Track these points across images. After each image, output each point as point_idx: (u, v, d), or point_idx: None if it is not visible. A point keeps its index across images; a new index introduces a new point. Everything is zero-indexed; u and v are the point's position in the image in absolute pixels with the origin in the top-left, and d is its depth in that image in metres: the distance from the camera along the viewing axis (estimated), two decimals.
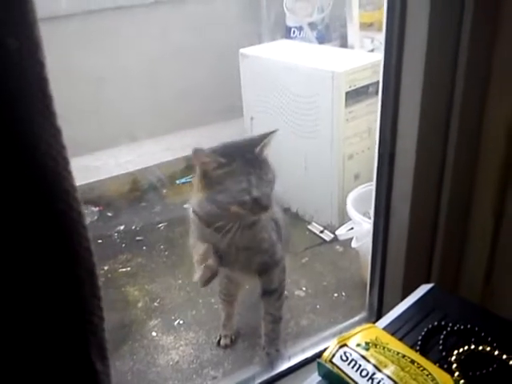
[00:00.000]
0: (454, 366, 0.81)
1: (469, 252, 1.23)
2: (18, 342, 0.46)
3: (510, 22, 0.97)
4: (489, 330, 0.88)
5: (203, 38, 3.07)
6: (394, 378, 0.73)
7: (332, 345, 0.80)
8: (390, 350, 0.78)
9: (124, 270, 2.25)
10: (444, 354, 0.85)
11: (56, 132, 0.43)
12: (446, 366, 0.81)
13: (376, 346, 0.80)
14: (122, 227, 2.57)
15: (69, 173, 0.45)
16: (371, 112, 2.18)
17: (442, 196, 1.16)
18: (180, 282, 2.16)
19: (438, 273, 1.24)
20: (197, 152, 1.21)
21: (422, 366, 0.76)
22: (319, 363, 0.80)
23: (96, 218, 2.63)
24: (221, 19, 3.12)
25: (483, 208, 1.16)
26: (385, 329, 0.89)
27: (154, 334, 1.91)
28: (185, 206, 2.71)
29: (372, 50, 2.70)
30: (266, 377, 1.31)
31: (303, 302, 2.03)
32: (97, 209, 2.67)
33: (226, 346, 1.82)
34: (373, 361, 0.76)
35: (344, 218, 2.21)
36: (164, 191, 2.88)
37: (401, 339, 0.86)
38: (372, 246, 1.30)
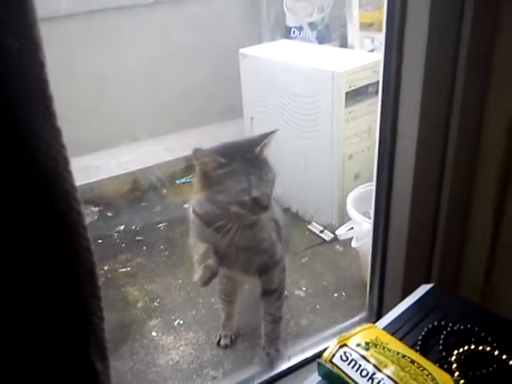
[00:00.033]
0: (454, 365, 0.81)
1: (469, 252, 1.23)
2: (18, 341, 0.46)
3: (510, 22, 0.97)
4: (489, 330, 0.88)
5: (203, 38, 3.07)
6: (394, 378, 0.73)
7: (332, 345, 0.80)
8: (390, 350, 0.78)
9: (124, 270, 2.25)
10: (444, 353, 0.85)
11: (56, 132, 0.43)
12: (446, 366, 0.81)
13: (376, 345, 0.80)
14: (122, 227, 2.57)
15: (69, 173, 0.45)
16: (371, 112, 2.17)
17: (442, 196, 1.16)
18: (180, 281, 2.16)
19: (437, 273, 1.24)
20: (197, 152, 1.21)
21: (422, 366, 0.76)
22: (319, 363, 0.80)
23: (96, 217, 2.63)
24: (221, 19, 3.12)
25: (483, 207, 1.16)
26: (385, 329, 0.89)
27: (153, 333, 1.91)
28: (185, 205, 2.71)
29: (372, 50, 2.70)
30: (265, 377, 1.31)
31: (303, 302, 2.03)
32: (97, 209, 2.67)
33: (225, 346, 1.82)
34: (373, 361, 0.76)
35: (344, 217, 2.21)
36: (164, 191, 2.88)
37: (401, 339, 0.86)
38: (372, 245, 1.30)
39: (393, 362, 0.76)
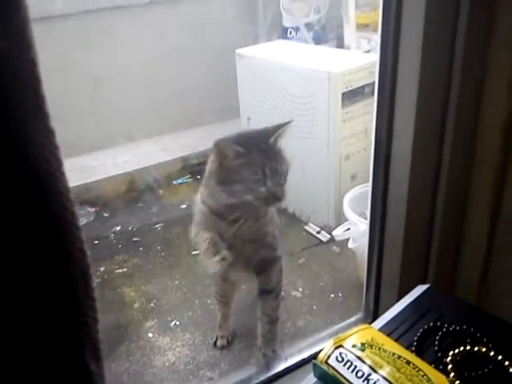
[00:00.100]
0: (450, 366, 0.81)
1: (465, 252, 1.23)
2: (11, 343, 0.46)
3: (505, 24, 0.98)
4: (484, 331, 0.88)
5: (200, 38, 3.07)
6: (389, 378, 0.73)
7: (328, 346, 0.80)
8: (385, 351, 0.78)
9: (120, 270, 2.25)
10: (440, 354, 0.85)
11: (49, 133, 0.43)
12: (441, 367, 0.81)
13: (372, 346, 0.79)
14: (118, 228, 2.57)
15: (62, 174, 0.44)
16: (368, 113, 2.18)
17: (438, 196, 1.16)
18: (177, 282, 2.16)
19: (434, 273, 1.24)
20: (219, 142, 1.21)
21: (417, 367, 0.75)
22: (315, 364, 0.79)
23: (92, 218, 2.63)
24: (217, 19, 3.12)
25: (479, 208, 1.16)
26: (381, 329, 0.89)
27: (150, 334, 1.91)
28: (182, 206, 2.71)
29: (368, 51, 2.71)
30: (262, 378, 1.31)
31: (300, 303, 2.03)
32: (93, 209, 2.67)
33: (222, 347, 1.81)
34: (368, 362, 0.76)
35: (341, 218, 2.21)
36: (161, 192, 2.87)
37: (396, 340, 0.86)
38: (368, 246, 1.30)
39: (388, 362, 0.76)
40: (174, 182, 2.92)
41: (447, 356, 0.83)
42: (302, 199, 2.48)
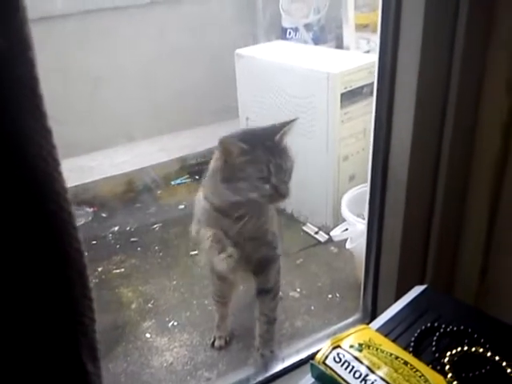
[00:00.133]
0: (447, 367, 0.81)
1: (463, 252, 1.23)
2: (8, 343, 0.46)
3: (504, 25, 0.98)
4: (482, 332, 0.88)
5: (199, 39, 3.07)
6: (387, 379, 0.73)
7: (325, 346, 0.80)
8: (383, 352, 0.78)
9: (118, 271, 2.25)
10: (437, 355, 0.85)
11: (46, 132, 0.42)
12: (439, 368, 0.81)
13: (369, 347, 0.79)
14: (116, 228, 2.56)
15: (59, 174, 0.44)
16: (367, 113, 2.18)
17: (437, 196, 1.16)
18: (174, 283, 2.16)
19: (431, 274, 1.24)
20: (224, 139, 1.21)
21: (415, 368, 0.75)
22: (312, 365, 0.79)
23: (90, 218, 2.63)
24: (217, 20, 3.12)
25: (478, 207, 1.16)
26: (378, 330, 0.89)
27: (147, 335, 1.91)
28: (180, 206, 2.71)
29: (368, 52, 2.71)
30: (260, 378, 1.31)
31: (298, 303, 2.03)
32: (91, 209, 2.67)
33: (220, 348, 1.81)
34: (366, 362, 0.76)
35: (339, 219, 2.21)
36: (159, 192, 2.87)
37: (394, 340, 0.86)
38: (366, 247, 1.30)
39: (386, 363, 0.76)
40: (173, 183, 2.92)
41: (445, 357, 0.83)
42: (301, 199, 2.47)
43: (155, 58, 3.03)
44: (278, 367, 1.32)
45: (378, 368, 0.75)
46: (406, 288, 1.05)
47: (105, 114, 2.92)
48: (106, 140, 2.89)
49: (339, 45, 3.07)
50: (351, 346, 0.80)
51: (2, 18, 0.37)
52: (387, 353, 0.78)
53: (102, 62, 2.85)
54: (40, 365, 0.48)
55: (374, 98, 1.13)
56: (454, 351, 0.84)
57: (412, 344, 0.87)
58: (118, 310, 2.02)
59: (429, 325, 0.91)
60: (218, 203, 1.29)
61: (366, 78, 2.26)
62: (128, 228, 2.56)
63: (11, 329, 0.45)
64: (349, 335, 0.83)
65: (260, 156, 1.20)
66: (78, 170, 2.68)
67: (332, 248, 2.34)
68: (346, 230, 2.02)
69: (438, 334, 0.89)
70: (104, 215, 2.67)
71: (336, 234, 2.06)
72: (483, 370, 0.81)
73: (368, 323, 0.96)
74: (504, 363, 0.81)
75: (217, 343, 1.81)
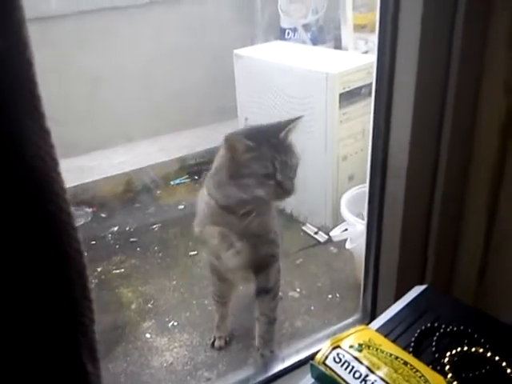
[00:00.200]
0: (447, 367, 0.81)
1: (462, 252, 1.23)
2: (7, 343, 0.45)
3: (502, 25, 0.98)
4: (482, 332, 0.88)
5: (198, 39, 3.07)
6: (386, 379, 0.73)
7: (325, 346, 0.80)
8: (383, 352, 0.78)
9: (118, 271, 2.25)
10: (437, 355, 0.84)
11: (45, 133, 0.42)
12: (438, 368, 0.81)
13: (369, 347, 0.79)
14: (115, 228, 2.56)
15: (58, 174, 0.44)
16: (365, 113, 2.18)
17: (435, 197, 1.16)
18: (174, 283, 2.16)
19: (431, 274, 1.24)
20: (229, 136, 1.22)
21: (414, 368, 0.75)
22: (312, 365, 0.79)
23: (90, 219, 2.63)
24: (216, 20, 3.12)
25: (476, 208, 1.16)
26: (378, 330, 0.89)
27: (147, 335, 1.91)
28: (179, 207, 2.71)
29: (366, 52, 2.71)
30: (260, 378, 1.31)
31: (297, 304, 2.03)
32: (90, 210, 2.67)
33: (220, 348, 1.81)
34: (366, 362, 0.76)
35: (338, 219, 2.21)
36: (158, 192, 2.87)
37: (394, 341, 0.86)
38: (365, 247, 1.30)
39: (386, 363, 0.76)
40: (172, 183, 2.92)
41: (444, 357, 0.83)
42: (300, 200, 2.47)
43: (154, 58, 3.03)
44: (278, 367, 1.32)
45: (378, 368, 0.75)
46: (405, 288, 1.05)
47: (104, 114, 2.92)
48: (105, 140, 2.89)
49: (337, 45, 3.07)
50: (351, 347, 0.80)
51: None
52: (387, 353, 0.78)
53: (101, 62, 2.85)
54: (40, 365, 0.48)
55: (372, 98, 1.13)
56: (453, 351, 0.84)
57: (412, 344, 0.87)
58: (118, 310, 2.02)
59: (429, 325, 0.91)
60: (223, 200, 1.29)
61: (364, 78, 2.26)
62: (127, 228, 2.56)
63: (11, 329, 0.45)
64: (349, 335, 0.83)
65: (265, 153, 1.21)
66: (77, 170, 2.68)
67: (331, 248, 2.34)
68: (346, 230, 2.02)
69: (437, 334, 0.89)
70: (103, 215, 2.67)
71: (335, 234, 2.06)
72: (483, 370, 0.81)
73: (368, 323, 0.96)
74: (504, 363, 0.81)
75: (217, 343, 1.81)
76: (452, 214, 1.19)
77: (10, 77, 0.39)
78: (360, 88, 2.29)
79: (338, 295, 2.06)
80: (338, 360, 0.77)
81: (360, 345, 0.80)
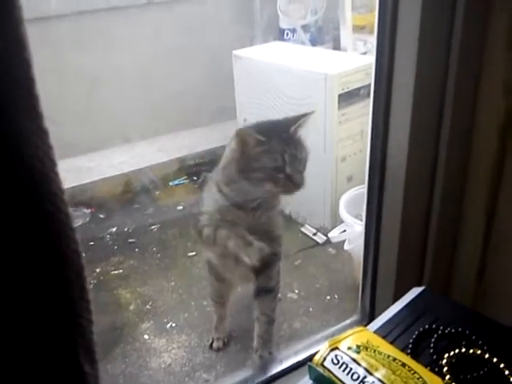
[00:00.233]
0: (445, 369, 0.81)
1: (461, 253, 1.23)
2: (5, 344, 0.45)
3: (501, 25, 0.98)
4: (480, 333, 0.88)
5: (196, 40, 3.07)
6: (384, 381, 0.73)
7: (323, 348, 0.80)
8: (381, 353, 0.78)
9: (116, 272, 2.24)
10: (435, 357, 0.84)
11: (43, 133, 0.42)
12: (436, 370, 0.81)
13: (367, 349, 0.79)
14: (114, 229, 2.56)
15: (56, 174, 0.44)
16: (364, 114, 2.17)
17: (434, 197, 1.16)
18: (172, 284, 2.16)
19: (429, 275, 1.24)
20: (240, 131, 1.24)
21: (412, 370, 0.75)
22: (310, 366, 0.79)
23: (88, 219, 2.62)
24: (214, 21, 3.12)
25: (475, 209, 1.16)
26: (376, 332, 0.89)
27: (146, 336, 1.90)
28: (178, 207, 2.71)
29: (365, 53, 2.71)
30: (258, 380, 1.31)
31: (296, 305, 2.03)
32: (89, 210, 2.66)
33: (218, 349, 1.81)
34: (364, 364, 0.76)
35: (337, 220, 2.22)
36: (157, 193, 2.87)
37: (392, 342, 0.86)
38: (364, 248, 1.30)
39: (384, 365, 0.76)
40: (171, 184, 2.91)
41: (442, 358, 0.83)
42: (299, 201, 2.47)
43: (153, 59, 3.03)
44: (276, 369, 1.32)
45: (376, 370, 0.75)
46: (403, 289, 1.05)
47: (102, 114, 2.92)
48: (104, 140, 2.89)
49: (336, 46, 3.07)
50: (349, 348, 0.80)
51: None
52: (385, 355, 0.78)
53: (100, 62, 2.85)
54: (37, 366, 0.48)
55: (371, 99, 1.13)
56: (451, 353, 0.84)
57: (410, 346, 0.87)
58: (117, 311, 2.02)
59: (427, 326, 0.91)
60: (233, 195, 1.30)
61: (363, 79, 2.26)
62: (126, 229, 2.56)
63: (8, 330, 0.45)
64: (347, 337, 0.83)
65: (275, 146, 1.22)
66: (75, 171, 2.68)
67: (330, 249, 2.34)
68: (344, 231, 2.02)
69: (435, 335, 0.89)
70: (102, 216, 2.67)
71: (334, 235, 2.06)
72: (481, 372, 0.81)
73: (366, 325, 0.96)
74: (502, 365, 0.81)
75: (215, 345, 1.81)
76: (450, 214, 1.19)
77: (8, 77, 0.39)
78: (359, 89, 2.29)
79: (336, 296, 2.06)
80: (336, 362, 0.77)
81: (358, 346, 0.80)
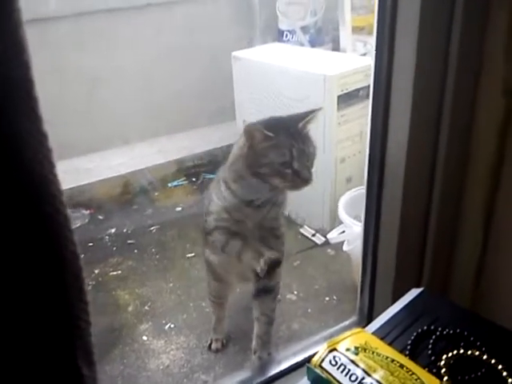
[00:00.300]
0: (443, 370, 0.81)
1: (459, 254, 1.23)
2: (2, 346, 0.45)
3: (499, 24, 0.98)
4: (478, 335, 0.88)
5: (196, 41, 3.07)
6: (383, 382, 0.73)
7: (321, 349, 0.80)
8: (379, 355, 0.78)
9: (115, 273, 2.24)
10: (433, 358, 0.84)
11: (42, 135, 0.42)
12: (435, 371, 0.81)
13: (365, 350, 0.79)
14: (113, 230, 2.56)
15: (55, 176, 0.44)
16: (363, 116, 2.18)
17: (433, 198, 1.16)
18: (171, 285, 2.16)
19: (428, 276, 1.24)
20: (248, 126, 1.24)
21: (411, 371, 0.75)
22: (308, 368, 0.79)
23: (87, 220, 2.62)
24: (214, 22, 3.12)
25: (474, 209, 1.16)
26: (374, 333, 0.89)
27: (144, 337, 1.90)
28: (177, 209, 2.71)
29: (364, 54, 2.71)
30: (256, 381, 1.31)
31: (295, 306, 2.03)
32: (88, 212, 2.66)
33: (217, 350, 1.81)
34: (362, 365, 0.76)
35: (336, 221, 2.22)
36: (156, 194, 2.87)
37: (390, 344, 0.86)
38: (362, 249, 1.30)
39: (382, 366, 0.76)
40: (170, 185, 2.92)
41: (441, 360, 0.83)
42: (298, 202, 2.47)
43: (152, 60, 3.03)
44: (275, 370, 1.32)
45: (374, 371, 0.75)
46: (402, 291, 1.05)
47: (101, 115, 2.92)
48: (103, 142, 2.89)
49: (336, 47, 3.07)
50: (347, 349, 0.80)
51: None
52: (383, 356, 0.78)
53: (100, 63, 2.85)
54: (35, 368, 0.48)
55: (370, 100, 1.13)
56: (450, 354, 0.84)
57: (408, 347, 0.87)
58: (115, 312, 2.02)
59: (425, 328, 0.91)
60: (242, 192, 1.30)
61: (362, 80, 2.27)
62: (125, 230, 2.56)
63: (6, 332, 0.45)
64: (345, 338, 0.83)
65: (283, 141, 1.22)
66: (74, 172, 2.68)
67: (329, 250, 2.34)
68: (343, 232, 2.02)
69: (434, 337, 0.89)
70: (100, 217, 2.67)
71: (333, 236, 2.06)
72: (479, 373, 0.81)
73: (364, 326, 0.96)
74: (499, 366, 0.81)
75: (213, 346, 1.81)
76: (449, 215, 1.19)
77: (7, 79, 0.39)
78: (358, 90, 2.29)
79: (335, 297, 2.06)
80: (334, 363, 0.77)
81: (356, 348, 0.80)
